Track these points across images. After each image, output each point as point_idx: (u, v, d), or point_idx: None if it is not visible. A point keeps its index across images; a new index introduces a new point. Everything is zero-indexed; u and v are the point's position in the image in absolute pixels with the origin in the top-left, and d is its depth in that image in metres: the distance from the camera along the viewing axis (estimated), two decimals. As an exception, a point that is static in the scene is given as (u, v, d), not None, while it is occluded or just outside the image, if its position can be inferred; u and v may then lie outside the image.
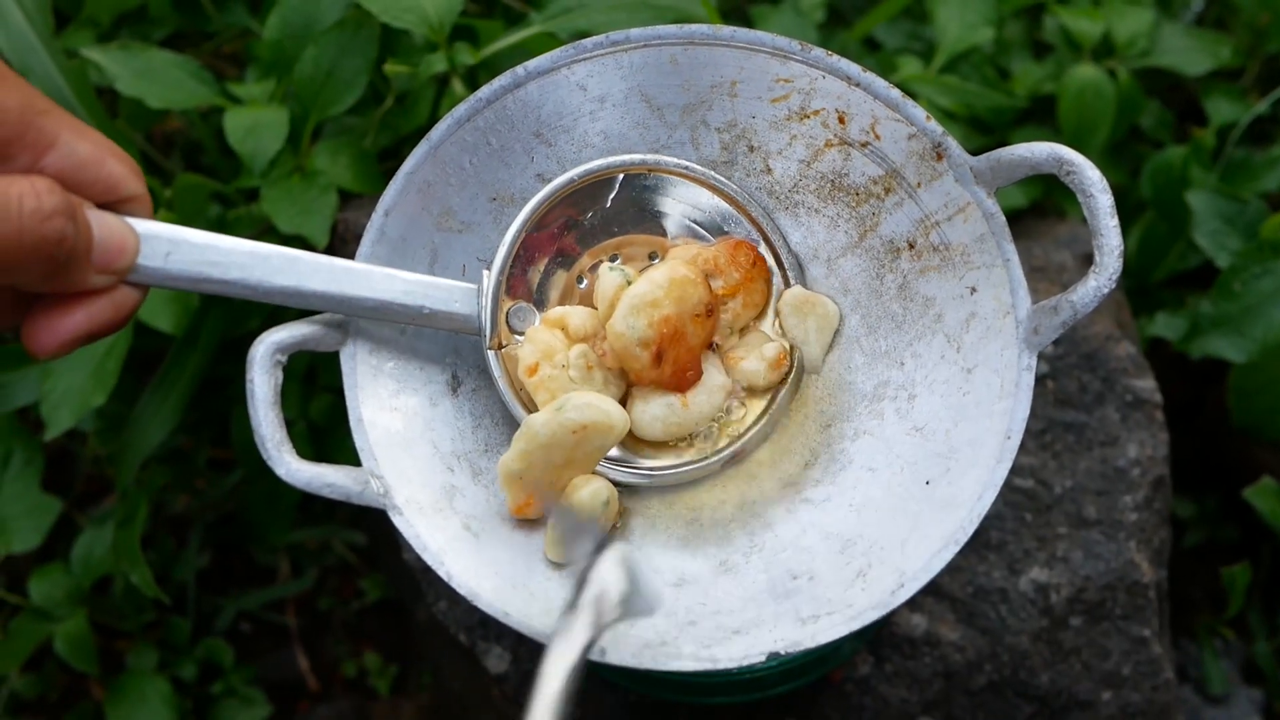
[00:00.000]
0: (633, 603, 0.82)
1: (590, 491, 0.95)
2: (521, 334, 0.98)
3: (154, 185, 1.32)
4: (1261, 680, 1.46)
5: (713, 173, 1.01)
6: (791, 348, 1.00)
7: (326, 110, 1.35)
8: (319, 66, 1.34)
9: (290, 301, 0.91)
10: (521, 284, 0.99)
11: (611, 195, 1.00)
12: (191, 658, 1.47)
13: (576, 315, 0.98)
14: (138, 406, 1.36)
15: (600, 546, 0.83)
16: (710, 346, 1.00)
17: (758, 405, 1.00)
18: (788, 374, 1.00)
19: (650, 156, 1.00)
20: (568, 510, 0.94)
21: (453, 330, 0.96)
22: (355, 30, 1.34)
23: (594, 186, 1.00)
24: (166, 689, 1.39)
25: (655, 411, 0.98)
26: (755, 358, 0.99)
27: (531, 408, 0.97)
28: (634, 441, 1.00)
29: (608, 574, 0.82)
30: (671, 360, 0.96)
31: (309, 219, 1.30)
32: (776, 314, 1.01)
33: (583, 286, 1.01)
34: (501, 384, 0.97)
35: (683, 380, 0.97)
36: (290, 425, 1.39)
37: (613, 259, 1.01)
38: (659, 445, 1.00)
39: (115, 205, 0.86)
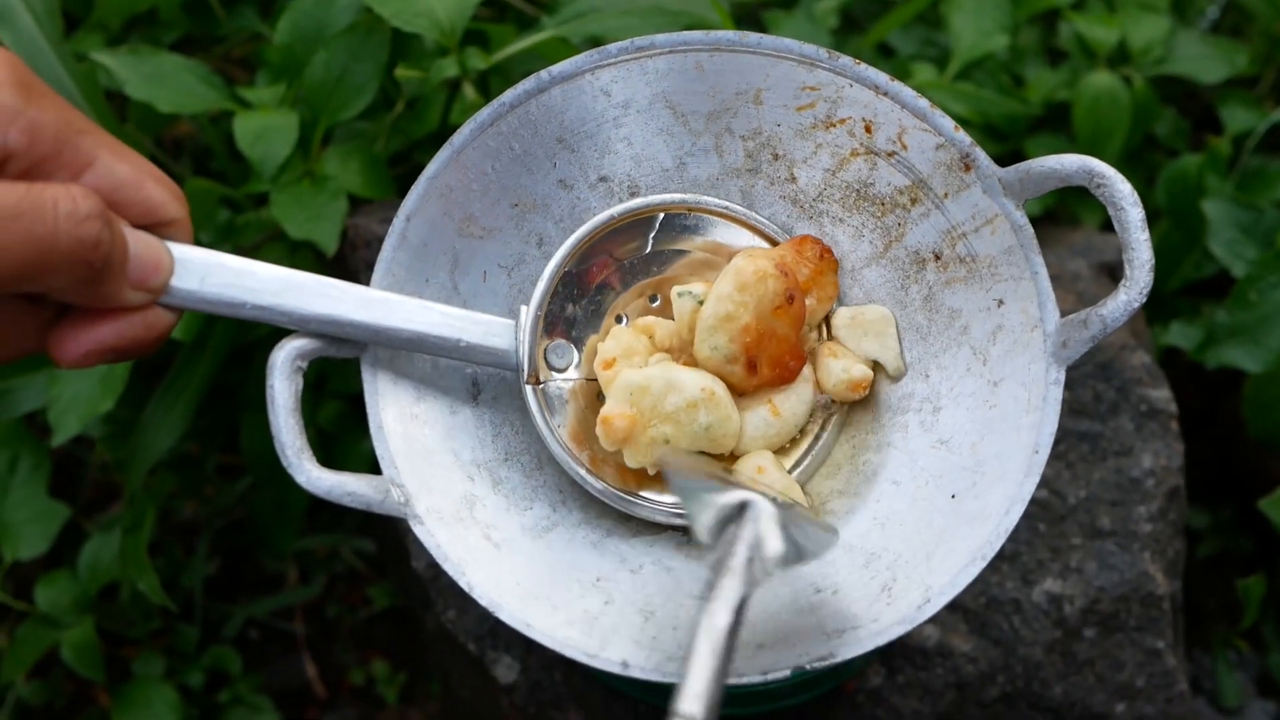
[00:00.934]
0: (790, 556, 0.81)
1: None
2: (560, 370, 0.97)
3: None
4: (1276, 692, 1.45)
5: (753, 213, 1.00)
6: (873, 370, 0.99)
7: (337, 115, 1.34)
8: (329, 71, 1.33)
9: (325, 329, 0.90)
10: (559, 321, 0.98)
11: (652, 234, 1.00)
12: (199, 665, 1.47)
13: (664, 326, 0.98)
14: (146, 412, 1.36)
15: (739, 503, 0.82)
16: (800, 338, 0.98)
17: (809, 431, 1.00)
18: (859, 399, 0.99)
19: (690, 196, 1.00)
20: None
21: (490, 365, 0.95)
22: (366, 34, 1.33)
23: (634, 225, 1.00)
24: (173, 697, 1.38)
25: (750, 431, 0.96)
26: (842, 368, 0.98)
27: (574, 449, 0.97)
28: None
29: (765, 532, 0.81)
30: (767, 361, 0.95)
31: (318, 225, 1.29)
32: (834, 338, 1.00)
33: (623, 325, 1.00)
34: (539, 419, 0.96)
35: (786, 372, 0.96)
36: (300, 432, 1.38)
37: (652, 299, 1.01)
38: None
39: (154, 229, 0.85)
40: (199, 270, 0.86)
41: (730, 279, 0.93)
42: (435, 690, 1.46)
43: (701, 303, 0.94)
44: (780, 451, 0.98)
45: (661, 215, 1.00)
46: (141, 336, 0.84)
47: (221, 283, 0.87)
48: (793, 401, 0.97)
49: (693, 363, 0.95)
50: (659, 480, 0.97)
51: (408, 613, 1.52)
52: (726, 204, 1.00)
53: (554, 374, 0.96)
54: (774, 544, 0.80)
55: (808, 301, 0.96)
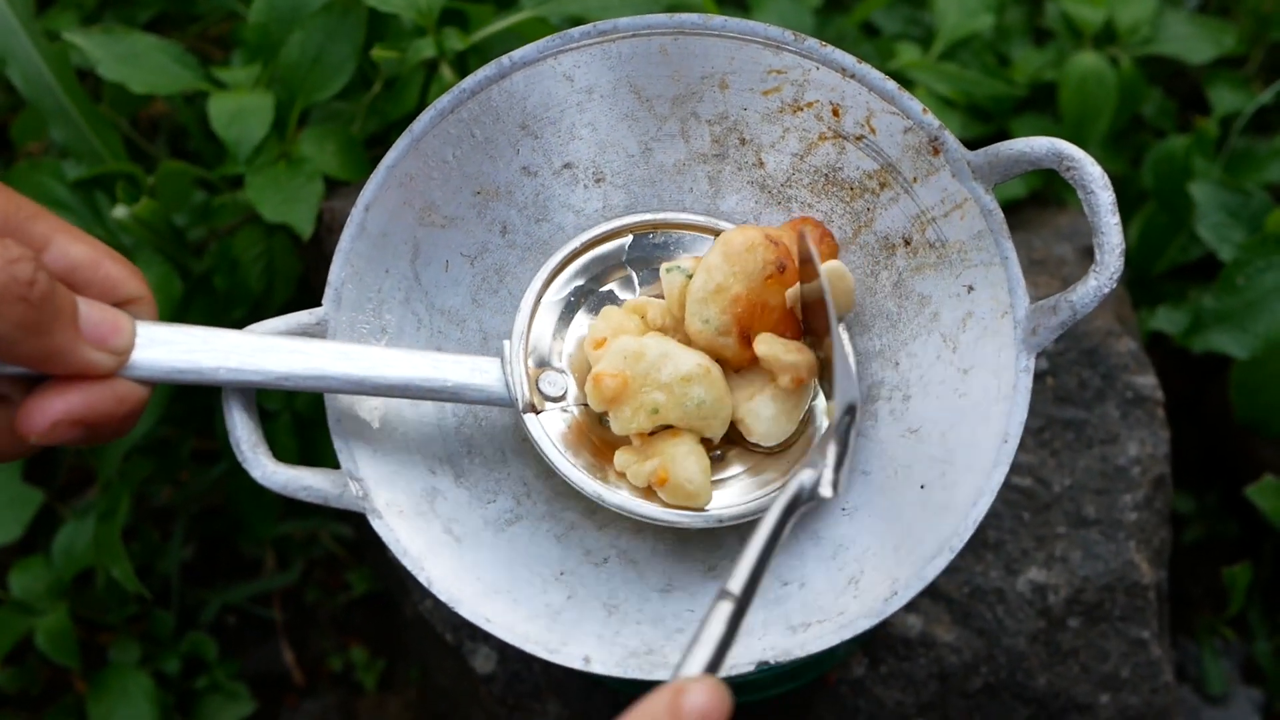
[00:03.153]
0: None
1: (700, 466, 0.92)
2: (555, 400, 0.94)
3: (137, 171, 1.30)
4: (1261, 680, 1.44)
5: (725, 224, 0.99)
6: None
7: (313, 96, 1.32)
8: (305, 51, 1.32)
9: (305, 386, 0.88)
10: (549, 353, 0.97)
11: (624, 259, 0.99)
12: (175, 652, 1.45)
13: (655, 306, 0.95)
14: (121, 397, 1.34)
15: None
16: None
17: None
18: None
19: (659, 215, 0.99)
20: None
21: (484, 403, 0.92)
22: (343, 14, 1.31)
23: (603, 257, 0.99)
24: (149, 684, 1.37)
25: (767, 411, 0.94)
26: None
27: (582, 460, 0.94)
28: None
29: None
30: (760, 334, 0.92)
31: (294, 207, 1.27)
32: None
33: (614, 306, 0.98)
34: (543, 445, 0.92)
35: None
36: (275, 417, 1.37)
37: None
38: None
39: (118, 307, 0.84)
40: (164, 341, 0.85)
41: (719, 250, 0.91)
42: (414, 677, 1.45)
43: (690, 277, 0.92)
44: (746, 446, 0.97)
45: (630, 238, 0.99)
46: (112, 410, 0.83)
47: (189, 350, 0.85)
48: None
49: (687, 343, 0.93)
50: (650, 493, 0.94)
51: (386, 598, 1.51)
52: (695, 217, 0.99)
53: (549, 404, 0.94)
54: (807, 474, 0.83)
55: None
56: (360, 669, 1.48)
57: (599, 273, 0.99)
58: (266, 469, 0.89)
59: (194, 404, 1.43)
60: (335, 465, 0.92)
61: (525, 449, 0.97)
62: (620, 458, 0.93)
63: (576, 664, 0.87)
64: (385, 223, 0.95)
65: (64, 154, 1.38)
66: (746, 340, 0.92)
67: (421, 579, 0.88)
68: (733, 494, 0.94)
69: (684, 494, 0.91)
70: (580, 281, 0.98)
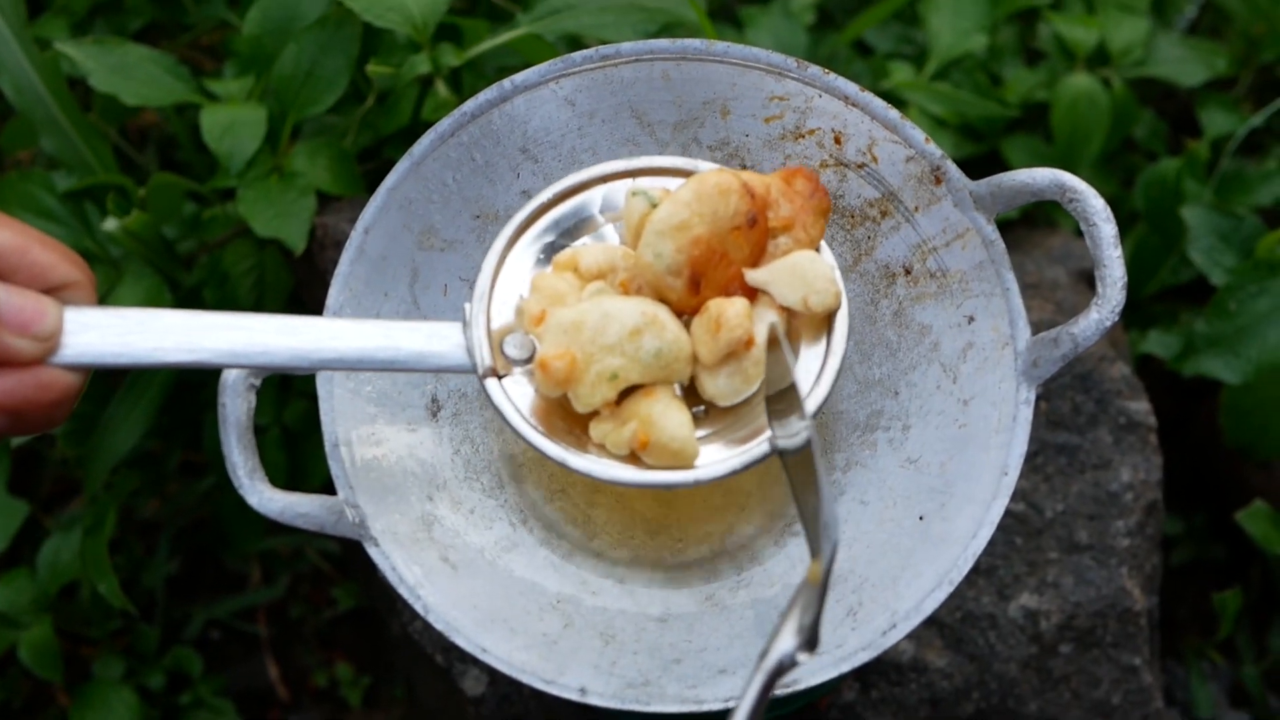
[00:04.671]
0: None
1: (680, 420, 0.84)
2: (521, 363, 0.86)
3: (128, 183, 1.29)
4: (1249, 704, 1.44)
5: (706, 162, 0.92)
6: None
7: (306, 109, 1.31)
8: (299, 64, 1.31)
9: (253, 362, 0.83)
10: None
11: (598, 208, 0.93)
12: (159, 666, 1.45)
13: (589, 253, 0.89)
14: (108, 410, 1.33)
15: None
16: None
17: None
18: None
19: (635, 162, 0.93)
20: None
21: (445, 371, 0.86)
22: (337, 28, 1.30)
23: (580, 207, 0.93)
24: (133, 699, 1.36)
25: (724, 381, 0.86)
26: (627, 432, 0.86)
27: (557, 434, 0.86)
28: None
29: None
30: (712, 284, 0.85)
31: (286, 222, 1.27)
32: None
33: (543, 271, 0.91)
34: (507, 411, 0.85)
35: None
36: (264, 431, 1.37)
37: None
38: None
39: (50, 294, 0.81)
40: (96, 326, 0.80)
41: (691, 186, 0.84)
42: (400, 694, 1.45)
43: (655, 206, 0.85)
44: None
45: (604, 189, 0.93)
46: (34, 397, 0.79)
47: (124, 333, 0.81)
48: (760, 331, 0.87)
49: (632, 283, 0.87)
50: (635, 460, 0.86)
51: (373, 614, 1.50)
52: (673, 160, 0.92)
53: (514, 368, 0.86)
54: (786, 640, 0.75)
55: (781, 240, 0.87)
56: (345, 685, 1.47)
57: (571, 226, 0.92)
58: (263, 496, 0.88)
59: (181, 416, 1.42)
60: (325, 479, 0.91)
61: (523, 474, 0.96)
62: (596, 429, 0.86)
63: (573, 695, 0.87)
64: (384, 246, 0.95)
65: (53, 164, 1.37)
66: (695, 286, 0.85)
67: (418, 607, 0.88)
68: (712, 451, 0.86)
69: (669, 454, 0.84)
70: (551, 238, 0.92)
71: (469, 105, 0.95)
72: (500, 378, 0.86)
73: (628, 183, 0.92)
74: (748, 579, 0.94)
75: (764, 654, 0.74)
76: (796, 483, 0.81)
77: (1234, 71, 1.61)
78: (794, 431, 0.80)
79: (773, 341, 0.84)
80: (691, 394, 0.87)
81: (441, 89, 1.30)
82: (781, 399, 0.83)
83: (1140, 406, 1.28)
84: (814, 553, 0.76)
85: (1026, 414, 0.90)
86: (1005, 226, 1.49)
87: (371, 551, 0.89)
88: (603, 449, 0.86)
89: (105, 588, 1.30)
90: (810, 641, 0.74)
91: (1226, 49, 1.61)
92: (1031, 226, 1.51)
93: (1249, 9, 1.59)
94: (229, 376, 0.88)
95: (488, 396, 0.85)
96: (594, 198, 0.92)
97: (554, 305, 0.86)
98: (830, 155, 0.96)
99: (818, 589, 0.74)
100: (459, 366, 0.86)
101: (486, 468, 0.96)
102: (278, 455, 1.37)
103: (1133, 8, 1.59)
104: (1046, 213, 1.52)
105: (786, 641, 0.74)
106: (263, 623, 1.52)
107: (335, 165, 1.32)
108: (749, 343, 0.84)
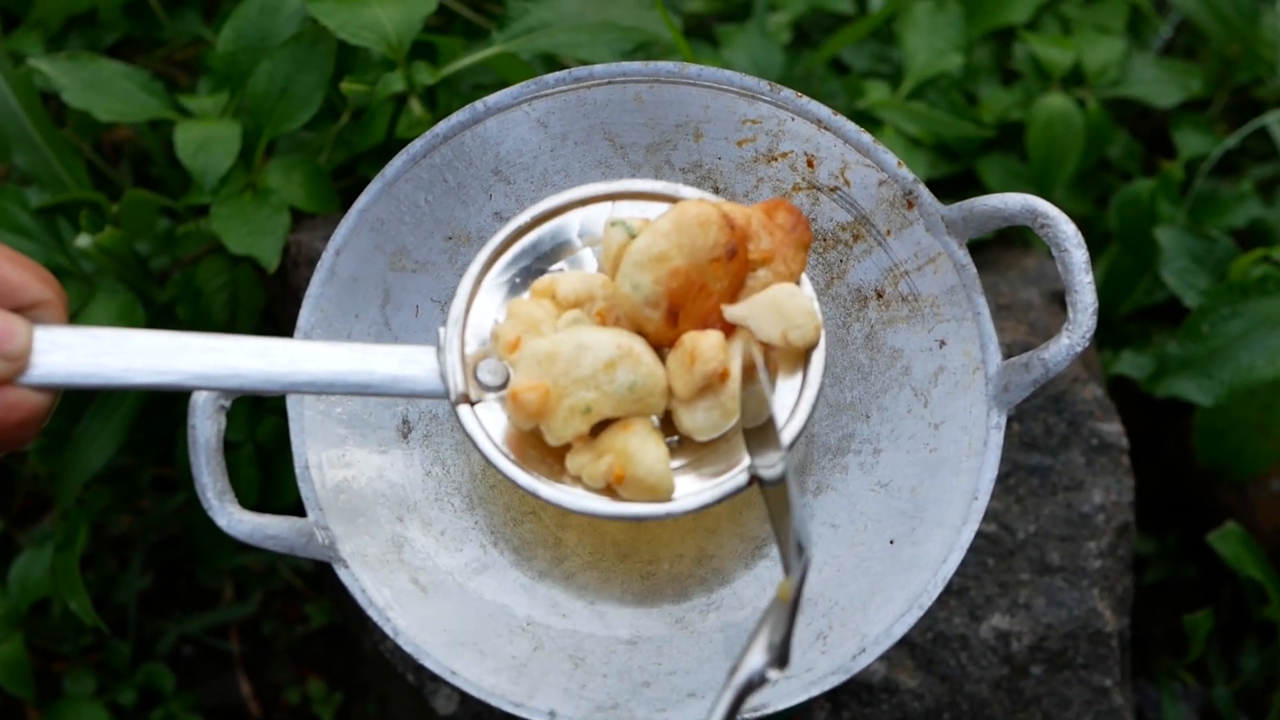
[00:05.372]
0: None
1: (656, 455, 0.83)
2: (494, 389, 0.85)
3: (101, 199, 1.29)
4: (1220, 724, 1.45)
5: (684, 187, 0.91)
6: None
7: (280, 126, 1.31)
8: (274, 81, 1.30)
9: (225, 385, 0.82)
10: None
11: (576, 233, 0.91)
12: (131, 683, 1.44)
13: (567, 280, 0.87)
14: (80, 425, 1.33)
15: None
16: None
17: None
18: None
19: (615, 185, 0.91)
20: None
21: (416, 395, 0.85)
22: (311, 45, 1.30)
23: (558, 231, 0.91)
24: (104, 715, 1.36)
25: (701, 416, 0.84)
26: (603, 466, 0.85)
27: (530, 462, 0.85)
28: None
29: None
30: (691, 316, 0.84)
31: (260, 240, 1.26)
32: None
33: (520, 297, 0.90)
34: (480, 439, 0.84)
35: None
36: (238, 448, 1.36)
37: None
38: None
39: (20, 312, 0.80)
40: (67, 345, 0.79)
41: (671, 217, 0.83)
42: (372, 711, 1.44)
43: (634, 237, 0.84)
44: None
45: (580, 214, 0.91)
46: (0, 417, 0.78)
47: (94, 354, 0.79)
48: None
49: (609, 313, 0.86)
50: (610, 492, 0.85)
51: (345, 631, 1.50)
52: (653, 184, 0.91)
53: (487, 394, 0.85)
54: (756, 658, 0.74)
55: (761, 273, 0.86)
56: (318, 702, 1.46)
57: (548, 251, 0.91)
58: (232, 517, 0.88)
59: (154, 432, 1.42)
60: (299, 496, 0.91)
61: (494, 496, 0.96)
62: (573, 461, 0.85)
63: (542, 718, 0.87)
64: (356, 267, 0.95)
65: (26, 180, 1.37)
66: (673, 318, 0.84)
67: (388, 630, 0.88)
68: (686, 483, 0.85)
69: (645, 488, 0.83)
70: (527, 262, 0.90)
71: (441, 127, 0.95)
72: (473, 404, 0.84)
73: (607, 206, 0.91)
74: (717, 601, 0.94)
75: (733, 671, 0.74)
76: (773, 507, 0.81)
77: (1209, 92, 1.62)
78: (771, 463, 0.80)
79: (749, 375, 0.83)
80: (666, 424, 0.86)
81: (416, 107, 1.30)
82: (759, 432, 0.83)
83: (1112, 428, 1.29)
84: (786, 570, 0.76)
85: (997, 439, 0.90)
86: (979, 247, 1.49)
87: (341, 574, 0.89)
88: (578, 480, 0.85)
89: (76, 604, 1.29)
90: (780, 659, 0.74)
91: (1202, 70, 1.61)
92: (1006, 247, 1.51)
93: (1224, 30, 1.60)
94: (199, 398, 0.88)
95: (460, 424, 0.84)
96: (572, 221, 0.91)
97: (529, 332, 0.85)
98: (803, 178, 0.96)
99: (788, 607, 0.74)
100: (432, 392, 0.84)
101: (457, 489, 0.96)
102: (251, 472, 1.37)
103: (1108, 28, 1.59)
104: (1021, 233, 1.52)
105: (756, 659, 0.74)
106: (235, 639, 1.51)
107: (310, 182, 1.32)
108: (724, 375, 0.83)
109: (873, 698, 1.19)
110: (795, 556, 0.74)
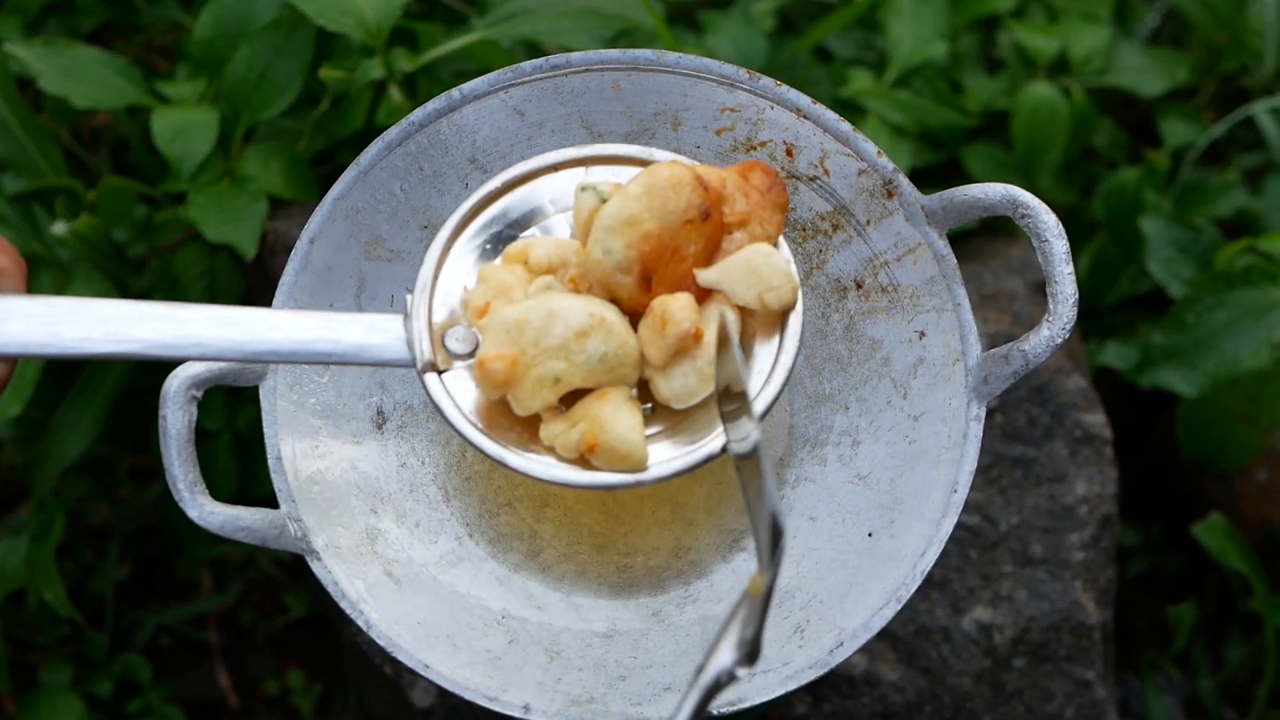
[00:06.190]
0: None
1: (630, 423, 0.81)
2: (463, 357, 0.83)
3: (77, 186, 1.28)
4: (1204, 716, 1.44)
5: (657, 151, 0.88)
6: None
7: (259, 113, 1.30)
8: (252, 68, 1.30)
9: (190, 355, 0.80)
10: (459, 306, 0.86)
11: (548, 199, 0.89)
12: (108, 674, 1.43)
13: (540, 245, 0.85)
14: (57, 415, 1.32)
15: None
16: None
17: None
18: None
19: (589, 150, 0.89)
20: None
21: (383, 364, 0.83)
22: (290, 32, 1.29)
23: (528, 199, 0.89)
24: (80, 706, 1.35)
25: (678, 382, 0.82)
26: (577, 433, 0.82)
27: (500, 432, 0.83)
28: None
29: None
30: (664, 281, 0.82)
31: (237, 227, 1.26)
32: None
33: (492, 263, 0.87)
34: (446, 407, 0.82)
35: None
36: (215, 437, 1.35)
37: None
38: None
39: None
40: (23, 314, 0.78)
41: (642, 180, 0.81)
42: (352, 703, 1.43)
43: (605, 201, 0.82)
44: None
45: (550, 178, 0.89)
46: None
47: (51, 323, 0.78)
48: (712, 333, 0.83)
49: (582, 279, 0.84)
50: (585, 463, 0.83)
51: (325, 622, 1.49)
52: (626, 148, 0.89)
53: (456, 362, 0.83)
54: (724, 655, 0.73)
55: (737, 235, 0.84)
56: (297, 693, 1.46)
57: (519, 217, 0.89)
58: (204, 509, 0.87)
59: (132, 421, 1.41)
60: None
61: (469, 488, 0.95)
62: (546, 430, 0.82)
63: (516, 712, 0.86)
64: (330, 256, 0.94)
65: (2, 166, 1.36)
66: (646, 283, 0.82)
67: (360, 622, 0.87)
68: (658, 450, 0.83)
69: (617, 457, 0.81)
70: (498, 228, 0.88)
71: (417, 114, 0.94)
72: (441, 373, 0.83)
73: (579, 172, 0.89)
74: (694, 594, 0.93)
75: (701, 668, 0.72)
76: (749, 489, 0.79)
77: (1195, 81, 1.61)
78: (744, 434, 0.79)
79: (723, 344, 0.81)
80: (643, 392, 0.84)
81: (395, 94, 1.29)
82: (731, 401, 0.81)
83: (1096, 419, 1.28)
84: (761, 561, 0.74)
85: (977, 431, 0.90)
86: (964, 237, 1.48)
87: (314, 566, 0.88)
88: (553, 451, 0.83)
89: (52, 595, 1.29)
90: (750, 655, 0.72)
91: (1188, 58, 1.61)
92: (990, 236, 1.50)
93: (1211, 18, 1.59)
94: (170, 387, 0.87)
95: (427, 392, 0.83)
96: (544, 187, 0.89)
97: (499, 297, 0.83)
98: (782, 168, 0.95)
99: (760, 602, 0.72)
100: (398, 360, 0.83)
101: (432, 480, 0.95)
102: (229, 462, 1.36)
103: (1095, 16, 1.58)
104: (1006, 223, 1.51)
105: (725, 656, 0.72)
106: (214, 630, 1.50)
107: (288, 170, 1.31)
108: (697, 335, 0.82)
109: (854, 690, 1.19)
110: (769, 545, 0.72)
